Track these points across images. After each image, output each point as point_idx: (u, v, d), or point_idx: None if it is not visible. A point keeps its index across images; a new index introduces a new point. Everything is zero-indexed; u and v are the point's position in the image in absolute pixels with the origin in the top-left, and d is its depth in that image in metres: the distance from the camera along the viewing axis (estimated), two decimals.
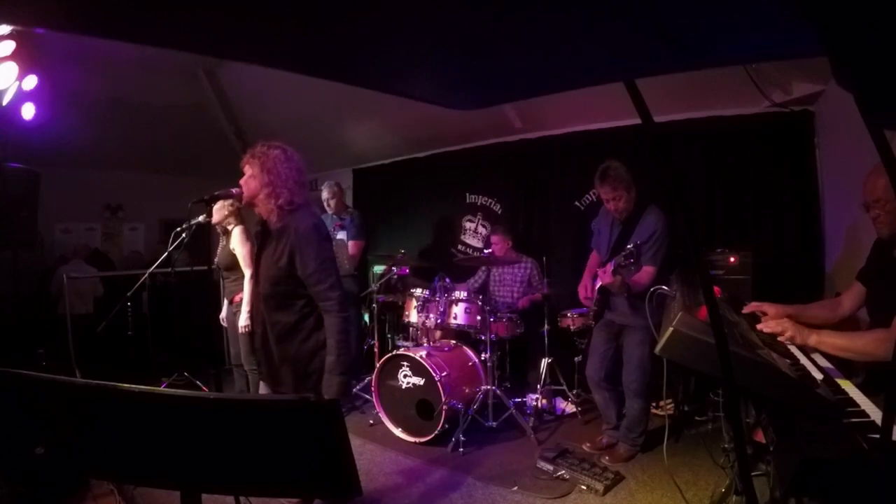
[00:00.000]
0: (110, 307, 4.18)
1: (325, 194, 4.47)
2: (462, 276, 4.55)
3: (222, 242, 3.62)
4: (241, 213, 3.59)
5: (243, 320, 3.30)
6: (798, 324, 1.75)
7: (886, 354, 1.47)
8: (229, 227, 3.55)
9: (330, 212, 4.48)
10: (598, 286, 3.04)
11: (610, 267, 2.77)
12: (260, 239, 2.12)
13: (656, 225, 2.88)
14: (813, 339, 1.66)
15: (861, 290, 1.87)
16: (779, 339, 1.74)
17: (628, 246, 2.63)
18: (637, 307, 2.85)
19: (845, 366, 1.67)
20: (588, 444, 3.22)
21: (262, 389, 2.26)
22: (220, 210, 3.49)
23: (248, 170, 2.04)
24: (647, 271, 2.82)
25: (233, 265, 3.50)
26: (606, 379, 3.09)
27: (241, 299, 3.39)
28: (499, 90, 0.81)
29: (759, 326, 1.80)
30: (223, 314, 3.71)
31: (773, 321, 1.79)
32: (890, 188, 1.48)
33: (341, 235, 4.40)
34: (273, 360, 2.09)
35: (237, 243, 3.46)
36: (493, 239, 4.29)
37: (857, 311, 1.93)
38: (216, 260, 3.61)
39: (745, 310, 1.99)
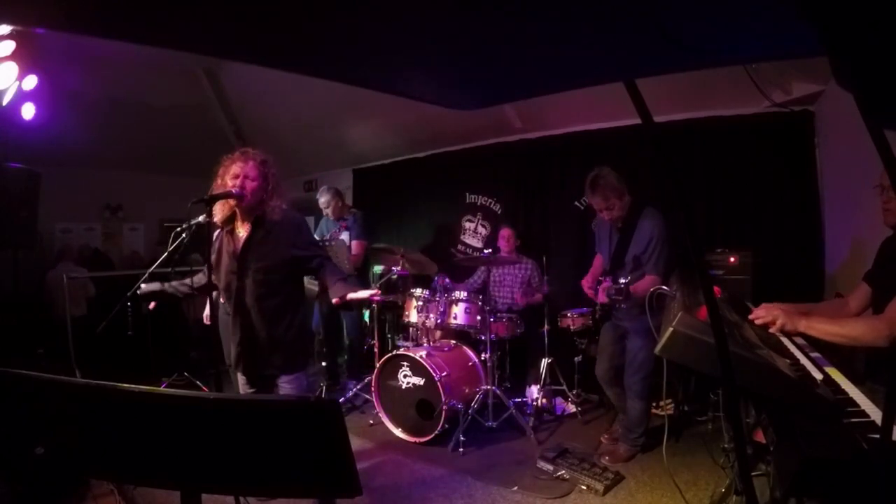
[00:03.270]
0: (109, 307, 4.17)
1: (322, 201, 4.40)
2: (462, 276, 4.55)
3: None
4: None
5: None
6: (788, 310, 1.76)
7: (874, 340, 1.50)
8: None
9: (332, 217, 4.41)
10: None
11: (605, 286, 2.83)
12: (250, 236, 2.21)
13: (652, 232, 2.85)
14: (802, 324, 1.67)
15: (867, 291, 1.86)
16: (770, 329, 1.74)
17: (621, 281, 2.73)
18: (639, 312, 2.84)
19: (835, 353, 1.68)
20: (606, 436, 3.29)
21: (241, 385, 2.31)
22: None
23: (245, 170, 2.17)
24: (648, 280, 2.81)
25: None
26: (616, 377, 3.12)
27: None
28: (499, 90, 0.81)
29: (751, 318, 1.80)
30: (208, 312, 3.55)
31: (764, 310, 1.79)
32: None
33: (345, 236, 4.36)
34: (261, 348, 2.19)
35: None
36: (504, 233, 4.26)
37: (863, 313, 1.92)
38: None
39: (758, 322, 1.86)
